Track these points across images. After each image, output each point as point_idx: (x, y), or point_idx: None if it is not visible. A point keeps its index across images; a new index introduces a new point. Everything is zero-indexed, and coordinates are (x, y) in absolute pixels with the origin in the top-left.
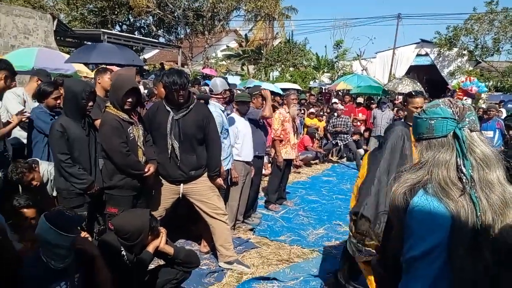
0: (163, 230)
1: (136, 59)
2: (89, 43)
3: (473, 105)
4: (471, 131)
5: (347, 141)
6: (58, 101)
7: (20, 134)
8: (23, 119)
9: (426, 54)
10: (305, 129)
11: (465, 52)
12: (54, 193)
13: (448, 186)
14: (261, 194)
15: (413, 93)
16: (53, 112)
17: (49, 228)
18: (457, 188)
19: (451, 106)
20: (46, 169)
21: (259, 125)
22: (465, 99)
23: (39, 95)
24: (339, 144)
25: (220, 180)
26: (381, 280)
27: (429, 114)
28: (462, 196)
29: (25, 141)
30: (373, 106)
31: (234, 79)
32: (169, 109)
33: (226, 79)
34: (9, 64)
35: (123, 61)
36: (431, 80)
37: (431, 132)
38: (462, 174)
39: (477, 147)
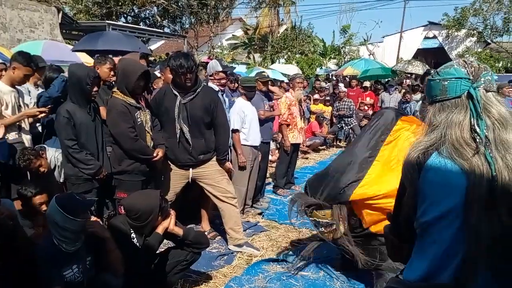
0: (172, 212)
1: (142, 47)
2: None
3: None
4: (486, 91)
5: (351, 125)
6: None
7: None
8: (37, 114)
9: (434, 37)
10: (313, 116)
11: (474, 32)
12: (62, 179)
13: (462, 146)
14: (269, 179)
15: (431, 71)
16: None
17: (58, 210)
18: (471, 148)
19: (465, 66)
20: (53, 155)
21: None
22: None
23: (46, 82)
24: (344, 128)
25: (228, 164)
26: (394, 248)
27: (442, 75)
28: (476, 155)
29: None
30: (380, 91)
31: (240, 68)
32: (177, 93)
33: (224, 61)
34: (33, 61)
35: (129, 48)
36: (439, 64)
37: (444, 93)
38: (476, 134)
39: (492, 107)
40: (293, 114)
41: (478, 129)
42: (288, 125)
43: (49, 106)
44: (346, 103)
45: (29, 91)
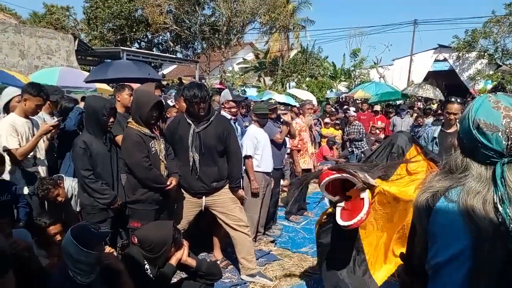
0: (185, 243)
1: (152, 72)
2: (109, 60)
3: (502, 83)
4: None
5: (363, 149)
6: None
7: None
8: (52, 129)
9: (445, 60)
10: (324, 140)
11: (485, 54)
12: (78, 209)
13: (478, 218)
14: (281, 205)
15: (451, 99)
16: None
17: (72, 242)
18: (489, 224)
19: (510, 138)
20: (70, 184)
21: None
22: None
23: (61, 112)
24: (355, 152)
25: (241, 192)
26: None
27: (479, 135)
28: (493, 236)
29: None
30: (392, 114)
31: (251, 91)
32: (190, 122)
33: (236, 91)
34: (43, 91)
35: (139, 75)
36: (450, 86)
37: (473, 151)
38: (499, 214)
39: None
40: (304, 139)
41: (501, 209)
42: (299, 151)
43: (60, 118)
44: (356, 127)
45: (44, 120)
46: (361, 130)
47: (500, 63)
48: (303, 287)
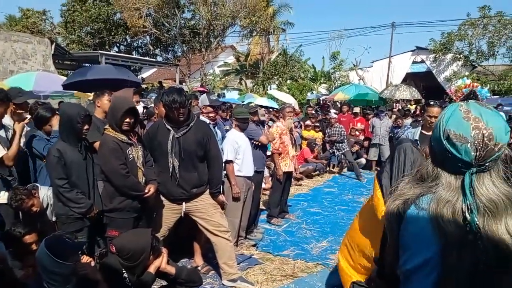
0: (164, 250)
1: (131, 75)
2: (87, 64)
3: (475, 91)
4: (483, 171)
5: (343, 151)
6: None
7: None
8: (25, 122)
9: (422, 61)
10: (304, 142)
11: (460, 56)
12: (54, 218)
13: (446, 225)
14: (263, 208)
15: (431, 102)
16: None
17: (46, 253)
18: (458, 230)
19: (479, 149)
20: (45, 194)
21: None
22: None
23: (37, 121)
24: (336, 154)
25: (222, 197)
26: None
27: (449, 146)
28: (462, 242)
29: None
30: (370, 116)
31: (232, 94)
32: (170, 127)
33: (214, 95)
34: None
35: (119, 76)
36: (428, 87)
37: (443, 161)
38: (466, 222)
39: (483, 194)
40: (285, 142)
41: (469, 218)
42: (280, 154)
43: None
44: (337, 129)
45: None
46: (342, 132)
47: (475, 65)
48: None
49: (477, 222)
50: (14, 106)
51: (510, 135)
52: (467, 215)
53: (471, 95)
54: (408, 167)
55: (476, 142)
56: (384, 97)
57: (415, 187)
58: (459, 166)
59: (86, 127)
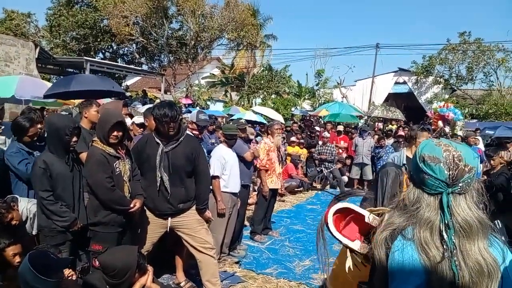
0: (150, 268)
1: (115, 86)
2: (71, 70)
3: (450, 132)
4: (459, 194)
5: (331, 169)
6: (35, 138)
7: None
8: None
9: (404, 82)
10: (288, 158)
11: (441, 80)
12: (34, 232)
13: (430, 248)
14: (246, 224)
15: (423, 127)
16: (30, 148)
17: (29, 269)
18: (438, 252)
19: (451, 168)
20: (25, 206)
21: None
22: (440, 124)
23: (15, 131)
24: (324, 172)
25: (208, 213)
26: None
27: (425, 167)
28: (441, 262)
29: None
30: (354, 135)
31: (217, 106)
32: (159, 141)
33: (204, 114)
34: None
35: (103, 88)
36: (409, 107)
37: (422, 184)
38: (443, 241)
39: (459, 212)
40: (272, 159)
41: (446, 237)
42: (266, 171)
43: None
44: (329, 148)
45: None
46: (334, 152)
47: (455, 88)
48: None
49: (453, 239)
50: None
51: (483, 166)
52: (444, 234)
53: (442, 134)
54: (393, 189)
55: (447, 161)
56: (370, 116)
57: (400, 215)
58: (436, 185)
59: (74, 139)
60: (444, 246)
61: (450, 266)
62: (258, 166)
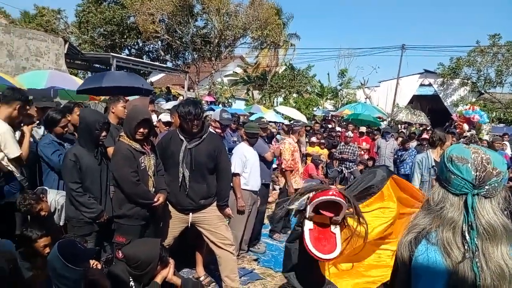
0: (171, 261)
1: (145, 83)
2: (98, 65)
3: (475, 135)
4: (485, 197)
5: (352, 169)
6: (66, 129)
7: None
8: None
9: (430, 84)
10: (309, 158)
11: (468, 82)
12: (61, 223)
13: (452, 248)
14: (265, 222)
15: (448, 130)
16: (61, 140)
17: (58, 258)
18: (460, 252)
19: (478, 169)
20: (53, 198)
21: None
22: (466, 127)
23: (47, 123)
24: (344, 172)
25: (228, 210)
26: None
27: (452, 167)
28: (462, 262)
29: None
30: (376, 136)
31: (239, 104)
32: (183, 138)
33: (227, 113)
34: (23, 94)
35: (133, 85)
36: (433, 110)
37: (448, 183)
38: (465, 241)
39: (484, 215)
40: (295, 159)
41: (468, 238)
42: (291, 171)
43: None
44: (351, 148)
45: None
46: (356, 152)
47: (483, 91)
48: None
49: (476, 240)
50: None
51: (509, 172)
52: (466, 235)
53: (472, 140)
54: (362, 185)
55: (475, 162)
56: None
57: (425, 215)
58: (461, 185)
59: (103, 134)
60: (466, 247)
61: (471, 267)
62: (283, 167)
